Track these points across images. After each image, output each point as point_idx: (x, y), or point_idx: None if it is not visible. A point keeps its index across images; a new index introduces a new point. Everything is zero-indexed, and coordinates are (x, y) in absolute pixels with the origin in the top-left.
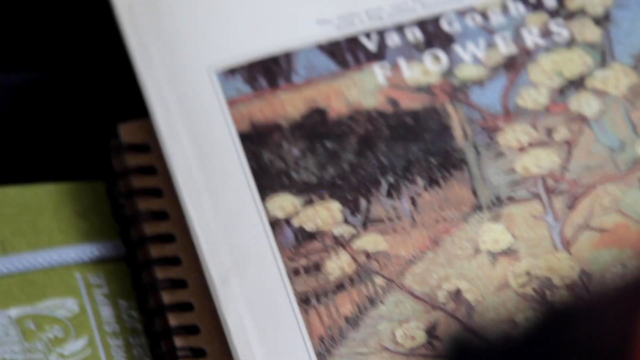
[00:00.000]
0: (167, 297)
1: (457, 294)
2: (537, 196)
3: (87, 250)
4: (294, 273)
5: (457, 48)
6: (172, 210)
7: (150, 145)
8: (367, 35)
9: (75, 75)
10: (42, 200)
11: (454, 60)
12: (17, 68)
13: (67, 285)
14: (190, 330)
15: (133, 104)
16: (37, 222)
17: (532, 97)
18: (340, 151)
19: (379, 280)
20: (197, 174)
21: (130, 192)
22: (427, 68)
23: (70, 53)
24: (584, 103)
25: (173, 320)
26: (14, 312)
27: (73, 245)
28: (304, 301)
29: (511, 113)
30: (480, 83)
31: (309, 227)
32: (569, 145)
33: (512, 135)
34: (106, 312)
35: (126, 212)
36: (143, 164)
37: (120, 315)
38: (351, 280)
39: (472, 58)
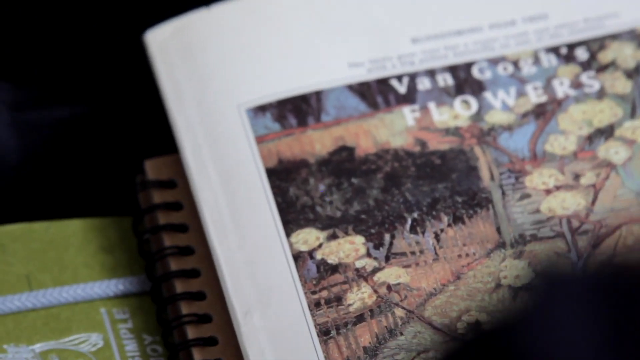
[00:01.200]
0: (191, 332)
1: (476, 326)
2: (561, 235)
3: (112, 286)
4: (315, 305)
5: (487, 95)
6: (197, 246)
7: (176, 181)
8: (398, 78)
9: (101, 112)
10: (68, 235)
11: (484, 106)
12: (45, 106)
13: (92, 320)
14: None
15: (159, 140)
16: (62, 258)
17: (560, 143)
18: (366, 187)
19: (398, 312)
20: (224, 209)
21: (155, 228)
22: (457, 112)
23: (97, 91)
24: (613, 151)
25: (197, 354)
26: (39, 346)
27: (98, 280)
28: (323, 332)
29: (539, 158)
30: (509, 128)
31: (332, 260)
32: (595, 188)
33: (539, 178)
34: (131, 346)
35: (152, 248)
36: (169, 199)
37: (145, 350)
38: (371, 311)
39: (502, 105)
